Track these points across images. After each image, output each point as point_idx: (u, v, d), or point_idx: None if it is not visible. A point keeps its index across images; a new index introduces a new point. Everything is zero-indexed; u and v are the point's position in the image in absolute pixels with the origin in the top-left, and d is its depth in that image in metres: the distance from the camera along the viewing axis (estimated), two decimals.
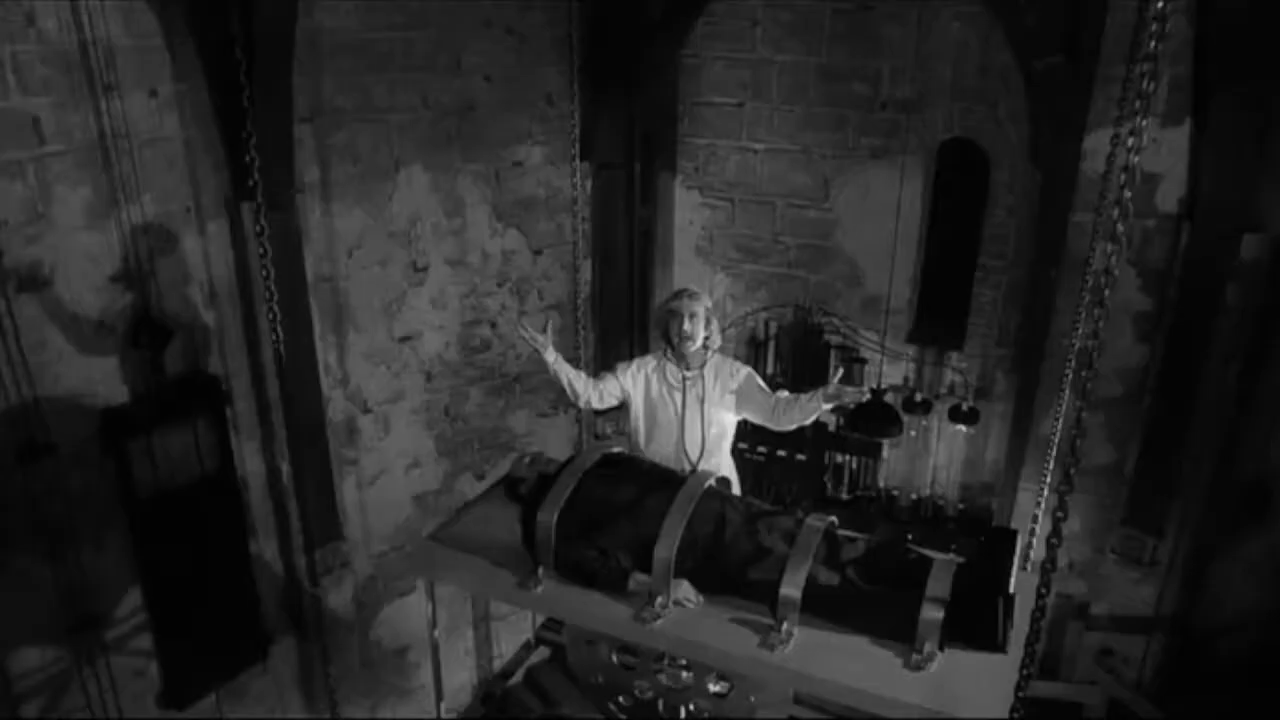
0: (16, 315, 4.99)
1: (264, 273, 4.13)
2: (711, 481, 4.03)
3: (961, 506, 7.30)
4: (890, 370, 7.14)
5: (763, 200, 7.43)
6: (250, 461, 6.36)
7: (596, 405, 4.49)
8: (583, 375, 4.46)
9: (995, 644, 3.49)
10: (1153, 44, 2.23)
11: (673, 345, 4.40)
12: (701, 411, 4.38)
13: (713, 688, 3.84)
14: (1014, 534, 3.89)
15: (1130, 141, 2.35)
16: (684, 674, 3.88)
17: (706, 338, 4.41)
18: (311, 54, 5.95)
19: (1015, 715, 2.99)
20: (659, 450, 4.48)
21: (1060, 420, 4.99)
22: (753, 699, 3.67)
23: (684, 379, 4.39)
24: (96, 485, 5.52)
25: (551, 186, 7.45)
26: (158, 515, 5.73)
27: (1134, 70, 2.37)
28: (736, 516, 3.87)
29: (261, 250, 4.14)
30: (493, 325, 7.56)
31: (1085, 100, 5.91)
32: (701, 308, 4.37)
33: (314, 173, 6.27)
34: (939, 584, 3.49)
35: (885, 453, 7.39)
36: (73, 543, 5.42)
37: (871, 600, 3.59)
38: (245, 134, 4.08)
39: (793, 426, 4.33)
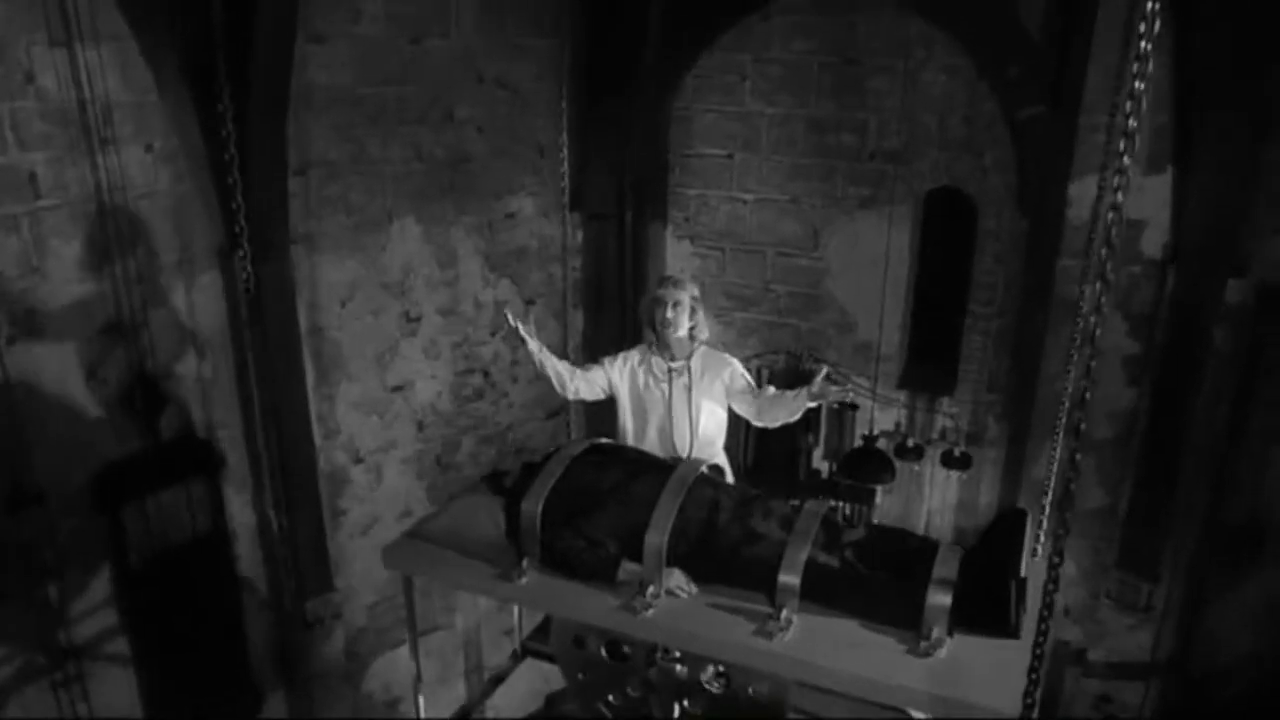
0: (9, 365, 4.99)
1: (253, 322, 4.12)
2: (704, 468, 3.88)
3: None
4: (882, 416, 7.16)
5: (753, 249, 7.50)
6: (240, 512, 6.33)
7: (585, 395, 4.34)
8: (567, 364, 4.33)
9: (1008, 628, 3.29)
10: (1135, 83, 2.27)
11: (657, 335, 4.26)
12: (690, 403, 4.23)
13: (708, 682, 3.62)
14: (1024, 514, 3.68)
15: (1116, 180, 2.37)
16: (677, 668, 3.65)
17: (693, 327, 4.25)
18: (306, 107, 6.03)
19: (1029, 703, 2.81)
20: (648, 446, 4.31)
21: (1055, 464, 4.99)
22: (751, 691, 3.47)
23: (670, 370, 4.24)
24: (85, 537, 5.48)
25: (543, 237, 7.52)
26: (147, 569, 5.69)
27: (1117, 115, 2.43)
28: (730, 502, 3.70)
29: (246, 288, 4.10)
30: (485, 374, 7.57)
31: (1069, 149, 6.02)
32: (686, 296, 4.21)
33: (308, 224, 6.32)
34: (946, 566, 3.31)
35: (879, 498, 7.38)
36: (60, 592, 5.36)
37: (874, 586, 3.42)
38: (231, 182, 4.05)
39: (777, 423, 4.22)
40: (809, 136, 7.11)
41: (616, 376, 4.33)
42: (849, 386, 4.16)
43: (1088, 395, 2.60)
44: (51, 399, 5.26)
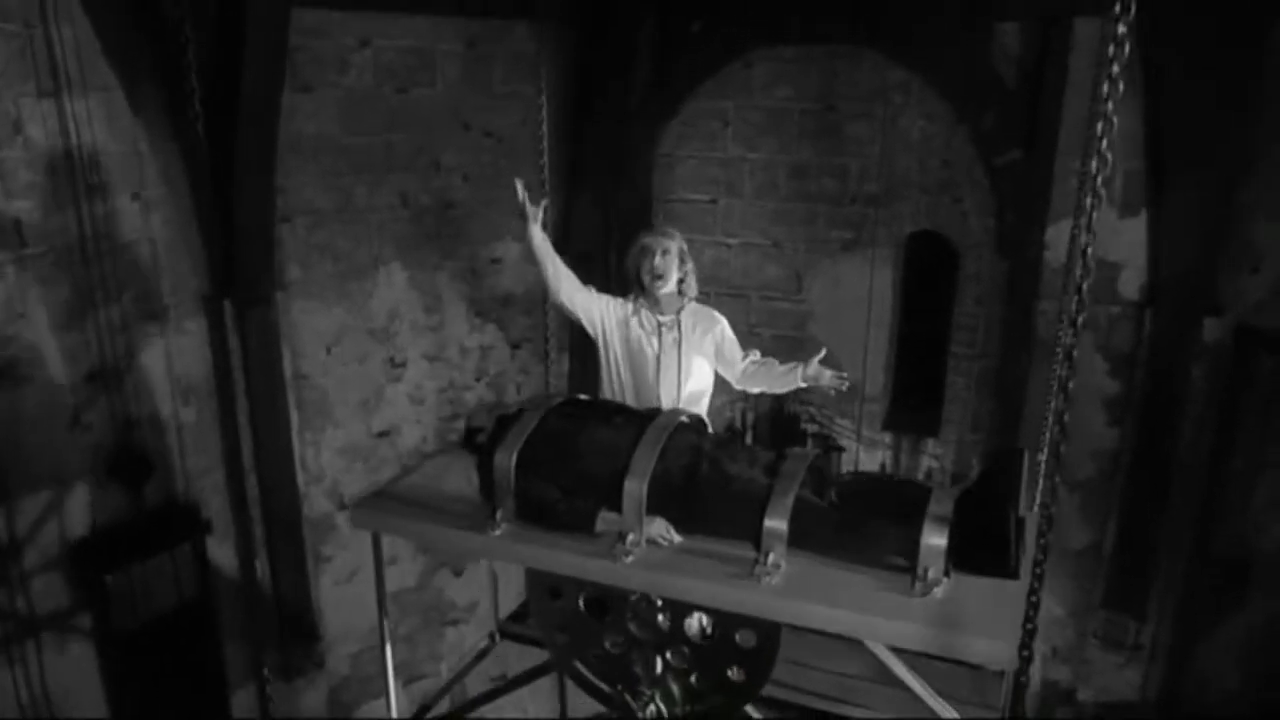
0: None
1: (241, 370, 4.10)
2: (684, 418, 3.68)
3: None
4: (867, 458, 7.18)
5: (737, 293, 7.56)
6: (223, 561, 6.26)
7: (568, 307, 4.06)
8: (567, 268, 4.05)
9: (1007, 567, 3.12)
10: (1101, 141, 2.31)
11: (644, 287, 4.03)
12: (679, 360, 4.02)
13: (693, 632, 3.42)
14: (1021, 453, 3.56)
15: (1084, 220, 2.41)
16: (659, 618, 3.42)
17: (681, 280, 4.05)
18: (293, 156, 6.09)
19: (1025, 655, 2.72)
20: (631, 401, 4.08)
21: (1035, 505, 5.01)
22: (739, 637, 3.29)
23: (659, 324, 4.02)
24: (62, 593, 5.41)
25: (529, 282, 7.55)
26: (131, 637, 5.62)
27: (1089, 160, 2.50)
28: (712, 448, 3.50)
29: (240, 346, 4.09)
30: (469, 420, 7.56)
31: (1046, 192, 6.13)
32: (675, 245, 4.02)
33: (294, 271, 6.34)
34: (941, 505, 3.13)
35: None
36: (35, 648, 5.28)
37: (866, 529, 3.24)
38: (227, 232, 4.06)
39: (757, 390, 4.13)
40: (791, 181, 7.20)
41: (609, 320, 4.07)
42: (844, 375, 4.04)
43: (1063, 433, 2.58)
44: (33, 447, 5.22)
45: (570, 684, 3.99)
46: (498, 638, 4.72)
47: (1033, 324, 6.38)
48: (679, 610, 3.38)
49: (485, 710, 4.84)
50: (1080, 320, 2.48)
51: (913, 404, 7.34)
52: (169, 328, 5.83)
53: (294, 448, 6.45)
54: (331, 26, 6.15)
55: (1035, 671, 3.04)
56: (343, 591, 7.03)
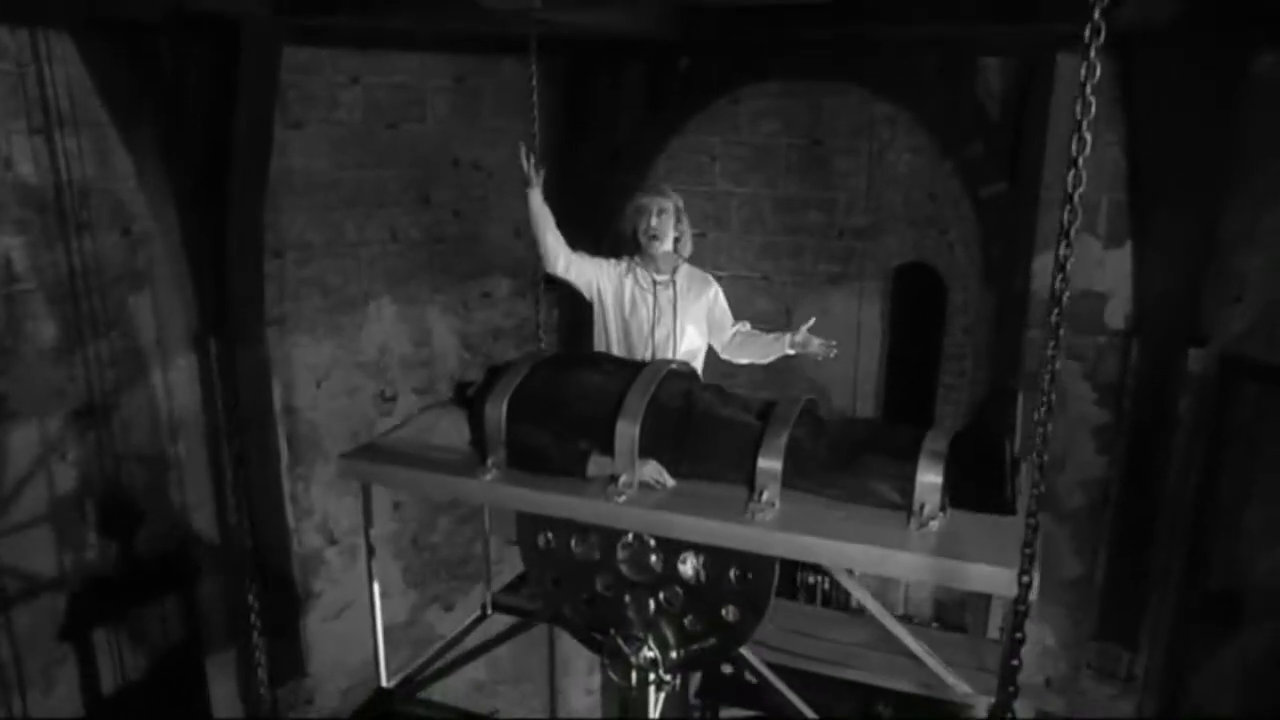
0: None
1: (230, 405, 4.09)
2: (675, 365, 3.65)
3: (936, 624, 7.24)
4: None
5: None
6: (211, 596, 6.21)
7: (566, 276, 4.07)
8: (563, 239, 4.04)
9: (1004, 501, 3.09)
10: (1078, 172, 2.35)
11: (640, 246, 4.01)
12: (675, 318, 3.99)
13: (686, 573, 3.34)
14: (1015, 393, 3.55)
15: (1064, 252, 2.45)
16: (652, 558, 3.35)
17: (677, 239, 4.03)
18: (285, 192, 6.11)
19: (1025, 581, 2.70)
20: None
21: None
22: (732, 575, 3.24)
23: (655, 282, 4.00)
24: (45, 626, 5.36)
25: (519, 315, 7.57)
26: (117, 690, 5.58)
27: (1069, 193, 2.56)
28: (704, 393, 3.47)
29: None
30: None
31: (1031, 223, 6.19)
32: (671, 204, 4.00)
33: (284, 306, 6.35)
34: (936, 442, 3.11)
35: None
36: (18, 685, 5.22)
37: (860, 466, 3.19)
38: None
39: (744, 360, 4.12)
40: (778, 215, 7.26)
41: (605, 280, 4.07)
42: (832, 343, 4.01)
43: (1043, 458, 2.59)
44: (21, 483, 5.19)
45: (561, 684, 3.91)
46: (490, 610, 4.65)
47: (1021, 354, 6.41)
48: (672, 551, 3.32)
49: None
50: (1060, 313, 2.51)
51: None
52: (158, 363, 5.82)
53: (283, 482, 6.42)
54: (323, 64, 6.21)
55: (1029, 704, 3.02)
56: (332, 628, 6.97)
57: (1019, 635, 2.75)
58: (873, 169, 6.83)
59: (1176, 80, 5.37)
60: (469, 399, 3.68)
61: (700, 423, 3.36)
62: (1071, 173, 2.40)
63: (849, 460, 3.21)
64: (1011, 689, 2.84)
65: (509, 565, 4.53)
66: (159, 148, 5.39)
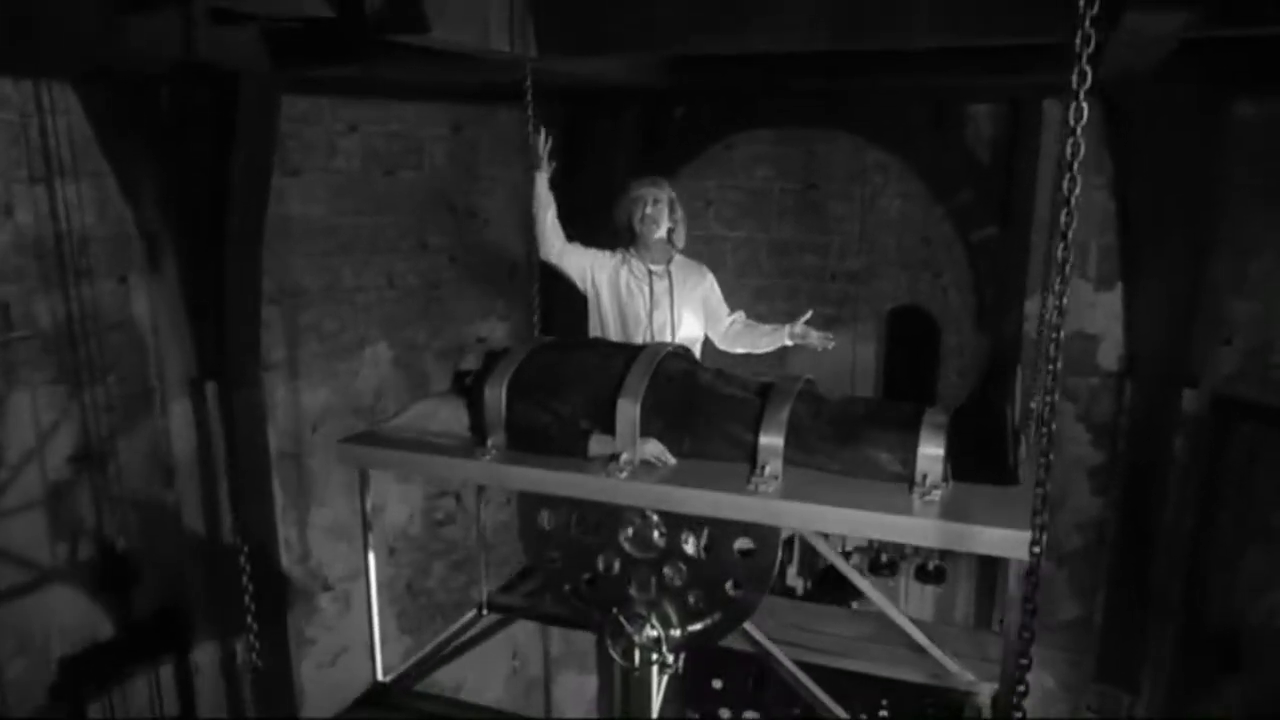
0: None
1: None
2: (673, 348, 3.63)
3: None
4: None
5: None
6: (204, 643, 6.16)
7: (558, 263, 4.09)
8: (559, 224, 4.06)
9: (1007, 470, 3.07)
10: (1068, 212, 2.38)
11: (635, 235, 4.03)
12: (671, 308, 4.03)
13: (689, 549, 3.30)
14: (1016, 366, 3.49)
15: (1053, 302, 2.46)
16: (654, 535, 3.32)
17: (671, 230, 4.06)
18: (282, 238, 6.16)
19: (1035, 550, 2.62)
20: None
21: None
22: (737, 546, 3.19)
23: (650, 273, 4.03)
24: (38, 677, 5.31)
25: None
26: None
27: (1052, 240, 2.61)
28: (705, 375, 3.48)
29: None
30: (457, 498, 7.53)
31: (1022, 266, 6.24)
32: (665, 194, 4.05)
33: (280, 351, 6.37)
34: (937, 416, 3.11)
35: (861, 539, 7.23)
36: None
37: (862, 439, 3.16)
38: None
39: (741, 350, 4.12)
40: (773, 259, 7.32)
41: (600, 270, 4.09)
42: (829, 335, 4.01)
43: (1045, 492, 2.59)
44: (14, 532, 5.17)
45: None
46: (485, 611, 4.59)
47: (1014, 396, 6.42)
48: (674, 526, 3.28)
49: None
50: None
51: None
52: (155, 410, 5.83)
53: (278, 528, 6.40)
54: (321, 113, 6.29)
55: None
56: (325, 675, 6.90)
57: (1027, 634, 2.66)
58: (865, 214, 6.90)
59: (1160, 127, 5.45)
60: (468, 387, 3.66)
61: (701, 400, 3.36)
62: (1064, 212, 2.40)
63: (850, 434, 3.19)
64: (1021, 688, 2.76)
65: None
66: (158, 196, 5.44)
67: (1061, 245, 2.35)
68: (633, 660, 3.33)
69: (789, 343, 3.98)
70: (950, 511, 2.92)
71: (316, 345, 6.58)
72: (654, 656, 3.32)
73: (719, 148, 7.21)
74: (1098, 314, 6.23)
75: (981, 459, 3.09)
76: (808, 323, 3.97)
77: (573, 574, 3.47)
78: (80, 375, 5.40)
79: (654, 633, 3.31)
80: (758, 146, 7.14)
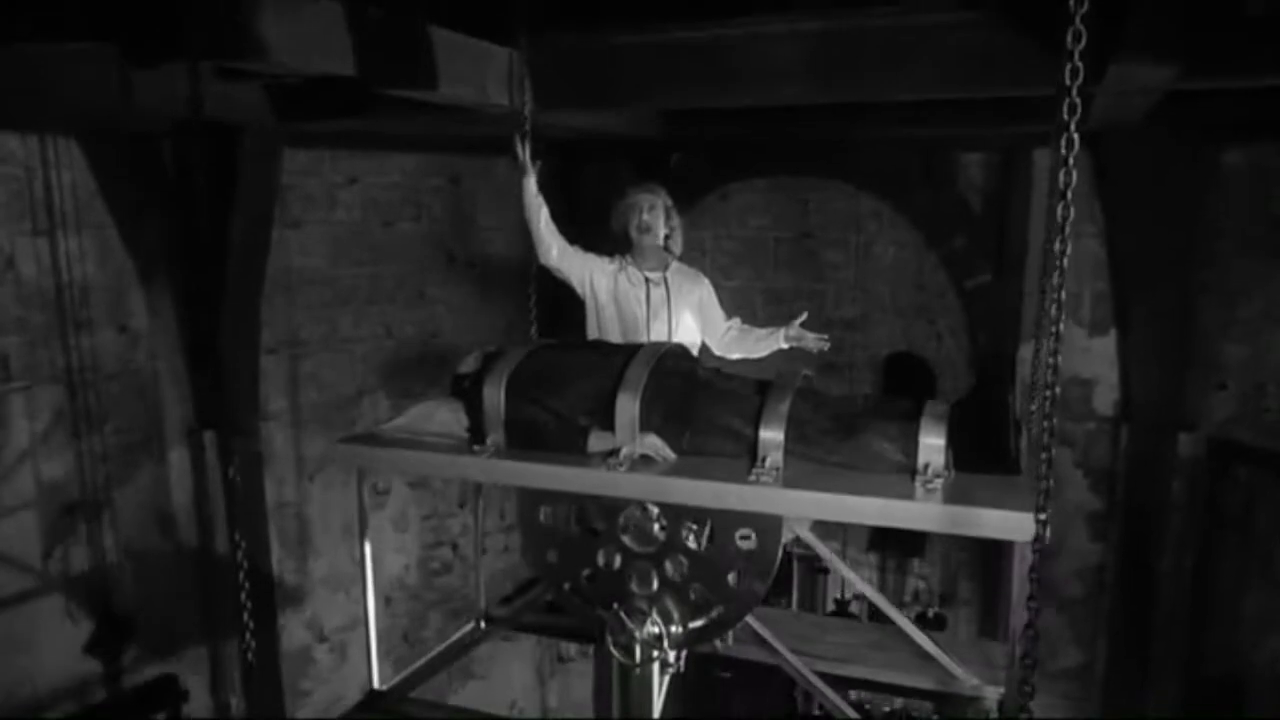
0: None
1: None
2: (672, 346, 3.63)
3: (935, 718, 7.11)
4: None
5: None
6: (198, 698, 6.09)
7: (556, 267, 4.04)
8: (554, 226, 4.02)
9: (1009, 459, 3.07)
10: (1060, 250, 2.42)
11: (632, 242, 4.02)
12: (669, 314, 4.03)
13: (691, 542, 3.27)
14: (1014, 360, 3.49)
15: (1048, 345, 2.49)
16: (655, 528, 3.30)
17: (668, 235, 4.06)
18: (281, 290, 6.21)
19: (1039, 527, 2.63)
20: None
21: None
22: (738, 536, 3.18)
23: (646, 279, 4.02)
24: None
25: None
26: None
27: (1044, 288, 2.67)
28: (704, 371, 3.50)
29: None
30: (454, 547, 7.50)
31: (1016, 313, 6.29)
32: (661, 201, 4.04)
33: (279, 401, 6.39)
34: (937, 407, 3.11)
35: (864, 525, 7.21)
36: None
37: (862, 430, 3.15)
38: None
39: (738, 356, 4.11)
40: (769, 307, 7.36)
41: (598, 275, 4.06)
42: (825, 337, 4.01)
43: (1045, 531, 2.60)
44: (8, 582, 5.14)
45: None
46: (484, 624, 4.51)
47: (1009, 441, 6.44)
48: (675, 519, 3.25)
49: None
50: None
51: None
52: (152, 459, 5.82)
53: (273, 577, 6.37)
54: (322, 166, 6.38)
55: None
56: None
57: (1031, 631, 2.67)
58: (860, 261, 6.97)
59: (1148, 175, 5.54)
60: (466, 390, 3.63)
61: (701, 395, 3.36)
62: (1057, 248, 2.43)
63: (851, 426, 3.19)
64: (1028, 688, 2.72)
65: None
66: (160, 247, 5.50)
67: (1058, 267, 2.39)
68: (634, 657, 3.28)
69: (785, 345, 4.00)
70: (953, 497, 2.93)
71: (315, 394, 6.60)
72: (655, 653, 3.27)
73: (714, 197, 7.30)
74: (1092, 359, 6.27)
75: (983, 451, 3.09)
76: (803, 324, 3.99)
77: (572, 571, 3.44)
78: (79, 424, 5.41)
79: (655, 629, 3.27)
80: (752, 195, 7.23)
